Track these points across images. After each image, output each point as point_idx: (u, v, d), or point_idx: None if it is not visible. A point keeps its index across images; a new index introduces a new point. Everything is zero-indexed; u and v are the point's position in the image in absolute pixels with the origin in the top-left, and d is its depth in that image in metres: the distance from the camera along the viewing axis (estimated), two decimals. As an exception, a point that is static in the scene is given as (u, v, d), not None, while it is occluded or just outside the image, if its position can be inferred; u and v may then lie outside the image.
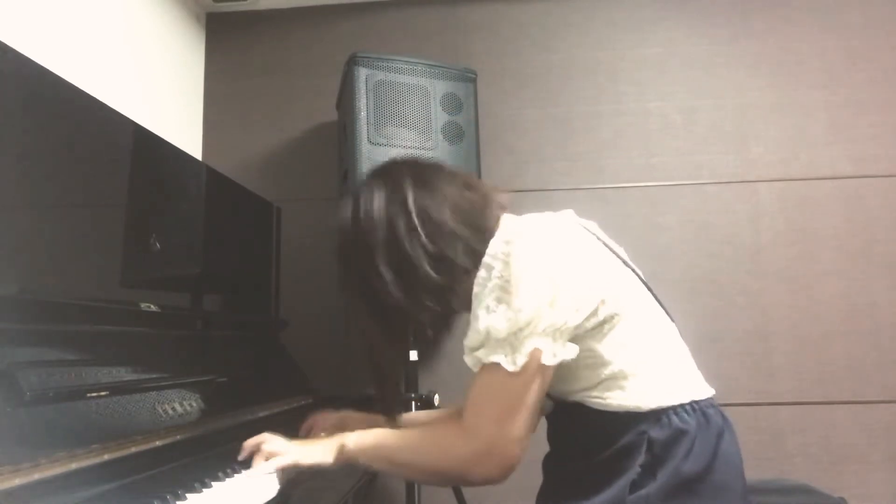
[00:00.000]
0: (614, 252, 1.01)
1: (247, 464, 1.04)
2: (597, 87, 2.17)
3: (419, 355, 1.85)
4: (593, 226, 1.05)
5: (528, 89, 2.19)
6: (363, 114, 1.72)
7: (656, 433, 0.88)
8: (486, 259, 0.91)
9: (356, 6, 2.29)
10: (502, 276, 0.88)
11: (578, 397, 0.94)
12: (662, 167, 2.12)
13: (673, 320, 1.03)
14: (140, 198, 1.28)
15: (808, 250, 2.04)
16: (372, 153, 1.70)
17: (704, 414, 0.92)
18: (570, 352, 0.88)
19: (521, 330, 0.85)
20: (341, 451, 0.99)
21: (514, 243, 0.89)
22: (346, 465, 1.00)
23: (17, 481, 0.75)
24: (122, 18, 1.82)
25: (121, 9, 1.81)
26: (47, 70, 1.04)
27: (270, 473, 0.97)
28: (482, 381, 0.90)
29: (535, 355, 0.85)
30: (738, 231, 2.07)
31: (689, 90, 2.15)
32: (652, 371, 0.92)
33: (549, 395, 0.98)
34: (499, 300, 0.87)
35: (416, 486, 1.75)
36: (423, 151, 1.74)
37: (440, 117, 1.80)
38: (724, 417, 0.96)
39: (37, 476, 0.77)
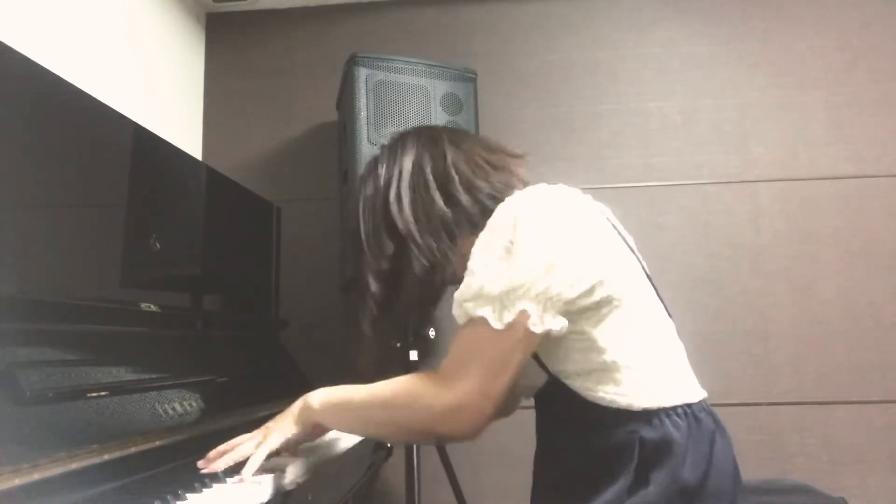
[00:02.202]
0: (623, 237, 1.01)
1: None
2: (597, 87, 2.17)
3: (419, 355, 1.85)
4: (607, 210, 1.05)
5: (528, 89, 2.19)
6: (363, 114, 1.72)
7: (647, 434, 0.87)
8: (492, 220, 0.92)
9: (356, 6, 2.29)
10: (506, 237, 0.88)
11: (571, 384, 0.93)
12: (662, 167, 2.12)
13: (671, 318, 1.03)
14: (140, 198, 1.28)
15: (808, 250, 2.04)
16: (372, 153, 1.70)
17: (696, 418, 0.91)
18: (558, 324, 0.87)
19: (514, 290, 0.85)
20: (305, 414, 0.98)
21: (523, 208, 0.90)
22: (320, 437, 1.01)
23: (17, 481, 0.75)
24: (122, 18, 1.82)
25: (121, 9, 1.81)
26: (47, 70, 1.04)
27: (253, 480, 0.93)
28: (466, 335, 0.89)
29: (522, 318, 0.85)
30: (738, 231, 2.07)
31: (689, 90, 2.15)
32: (647, 367, 0.91)
33: (543, 369, 0.97)
34: (499, 258, 0.88)
35: (416, 485, 1.75)
36: (423, 151, 1.74)
37: (440, 117, 1.80)
38: (715, 420, 0.95)
39: (37, 476, 0.77)
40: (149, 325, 1.27)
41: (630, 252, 1.00)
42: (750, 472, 0.97)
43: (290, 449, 1.05)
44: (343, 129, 1.89)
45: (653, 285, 1.02)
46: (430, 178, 1.01)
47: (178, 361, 1.29)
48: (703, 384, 1.00)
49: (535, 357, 0.95)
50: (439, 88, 1.82)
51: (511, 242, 0.88)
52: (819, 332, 2.00)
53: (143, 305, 1.23)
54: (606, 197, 1.06)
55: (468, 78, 1.89)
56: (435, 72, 1.83)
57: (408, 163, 1.03)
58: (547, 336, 0.87)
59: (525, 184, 1.03)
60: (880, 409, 1.96)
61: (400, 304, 1.07)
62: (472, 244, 0.93)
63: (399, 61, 1.79)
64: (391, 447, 1.75)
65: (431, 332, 1.83)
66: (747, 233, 2.07)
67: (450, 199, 1.00)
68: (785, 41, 2.15)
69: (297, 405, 1.00)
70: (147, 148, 1.34)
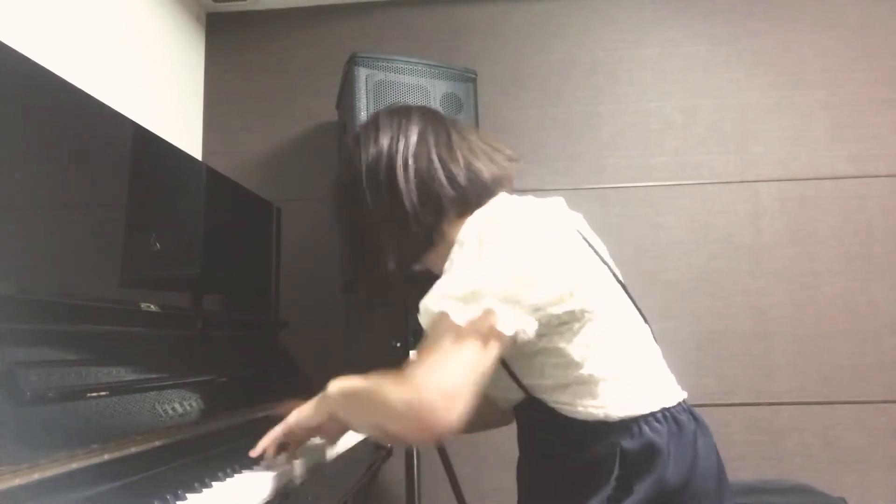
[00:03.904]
0: (593, 248, 1.00)
1: (246, 464, 1.04)
2: (597, 87, 2.17)
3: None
4: (579, 218, 1.05)
5: (528, 89, 2.19)
6: (363, 114, 1.72)
7: (628, 444, 0.87)
8: (460, 234, 0.91)
9: (356, 6, 2.29)
10: (473, 249, 0.88)
11: (548, 400, 0.92)
12: (662, 167, 2.12)
13: (647, 322, 1.02)
14: (140, 198, 1.28)
15: (808, 250, 2.04)
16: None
17: (676, 421, 0.91)
18: (528, 324, 0.85)
19: (479, 290, 0.83)
20: (323, 401, 0.98)
21: (490, 221, 0.90)
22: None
23: (17, 481, 0.75)
24: (122, 18, 1.82)
25: (121, 8, 1.81)
26: (47, 70, 1.04)
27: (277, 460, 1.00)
28: (431, 333, 0.86)
29: (487, 317, 0.82)
30: (738, 231, 2.07)
31: (689, 90, 2.15)
32: (623, 377, 0.90)
33: (518, 384, 0.96)
34: (467, 265, 0.87)
35: (416, 485, 1.75)
36: (423, 151, 1.74)
37: (440, 117, 1.79)
38: (696, 420, 0.94)
39: (37, 476, 0.77)
40: (149, 325, 1.27)
41: (601, 262, 1.00)
42: (750, 472, 0.98)
43: (300, 435, 1.03)
44: (343, 129, 1.89)
45: (627, 292, 1.02)
46: (434, 152, 1.00)
47: (178, 361, 1.29)
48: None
49: (510, 373, 0.95)
50: (439, 88, 1.82)
51: (478, 254, 0.87)
52: (819, 332, 2.00)
53: (143, 305, 1.23)
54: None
55: (468, 78, 1.89)
56: (435, 72, 1.83)
57: (413, 134, 1.02)
58: (516, 340, 0.85)
59: (511, 188, 1.04)
60: (880, 409, 1.96)
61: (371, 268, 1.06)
62: (454, 230, 0.93)
63: (399, 61, 1.79)
64: (391, 447, 1.75)
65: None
66: (747, 233, 2.07)
67: (450, 177, 0.99)
68: (785, 41, 2.15)
69: (319, 395, 1.00)
70: (147, 148, 1.34)
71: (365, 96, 1.73)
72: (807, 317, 2.01)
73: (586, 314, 0.89)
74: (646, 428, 0.88)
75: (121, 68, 1.79)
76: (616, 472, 0.86)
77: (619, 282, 1.02)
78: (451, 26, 2.25)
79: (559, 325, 0.89)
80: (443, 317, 0.84)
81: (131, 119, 1.27)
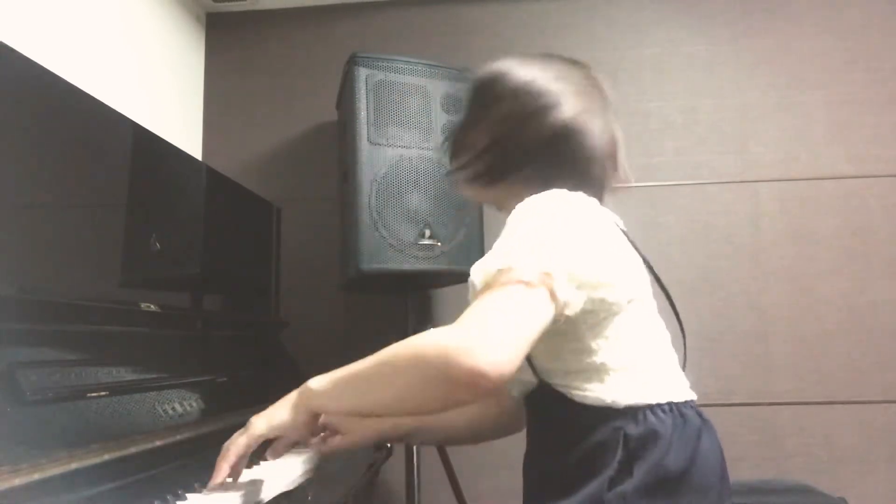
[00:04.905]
0: (634, 245, 1.02)
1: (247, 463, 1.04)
2: (597, 87, 2.17)
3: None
4: (617, 219, 1.05)
5: (528, 89, 2.19)
6: (363, 114, 1.72)
7: (631, 430, 0.87)
8: (527, 203, 0.90)
9: (356, 6, 2.29)
10: (538, 216, 0.87)
11: (558, 384, 0.93)
12: (662, 167, 2.12)
13: (680, 322, 1.03)
14: (140, 198, 1.28)
15: (808, 250, 2.04)
16: (372, 153, 1.70)
17: (682, 414, 0.91)
18: (578, 300, 0.84)
19: (541, 251, 0.81)
20: (303, 395, 0.91)
21: (555, 200, 0.90)
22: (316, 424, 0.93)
23: (17, 481, 0.74)
24: (122, 18, 1.82)
25: (121, 8, 1.81)
26: (47, 70, 1.04)
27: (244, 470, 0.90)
28: (492, 287, 0.80)
29: (549, 277, 0.79)
30: (738, 231, 2.07)
31: (689, 90, 2.15)
32: (635, 369, 0.91)
33: (534, 373, 0.96)
34: (528, 232, 0.85)
35: (416, 485, 1.75)
36: (423, 151, 1.74)
37: (440, 117, 1.79)
38: (702, 418, 0.94)
39: (37, 476, 0.77)
40: (149, 325, 1.27)
41: (642, 263, 1.00)
42: (750, 472, 0.98)
43: (281, 444, 0.97)
44: (343, 129, 1.89)
45: (665, 292, 1.03)
46: (596, 140, 1.00)
47: (178, 361, 1.29)
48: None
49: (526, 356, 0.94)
50: (439, 88, 1.82)
51: (540, 224, 0.86)
52: (819, 332, 2.00)
53: (143, 305, 1.23)
54: (606, 197, 1.07)
55: (468, 78, 1.88)
56: (435, 72, 1.82)
57: (597, 114, 1.02)
58: (561, 313, 0.82)
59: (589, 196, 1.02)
60: (880, 409, 1.96)
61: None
62: (519, 193, 0.93)
63: (399, 61, 1.79)
64: (391, 447, 1.75)
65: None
66: (747, 233, 2.07)
67: (585, 160, 0.99)
68: (785, 41, 2.15)
69: (294, 393, 0.93)
70: (147, 148, 1.34)
71: (365, 96, 1.73)
72: (807, 317, 2.01)
73: (615, 306, 0.89)
74: (651, 416, 0.88)
75: (121, 68, 1.79)
76: (619, 455, 0.86)
77: (660, 283, 1.03)
78: (451, 26, 2.25)
79: (588, 311, 0.88)
80: (505, 270, 0.80)
81: (131, 119, 1.27)
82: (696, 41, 2.17)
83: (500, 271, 0.81)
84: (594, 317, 0.89)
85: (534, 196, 0.91)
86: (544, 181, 0.95)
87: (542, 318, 0.80)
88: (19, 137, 0.98)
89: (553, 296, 0.80)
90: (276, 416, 0.91)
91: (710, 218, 2.08)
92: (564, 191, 0.94)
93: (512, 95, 1.01)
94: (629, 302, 0.92)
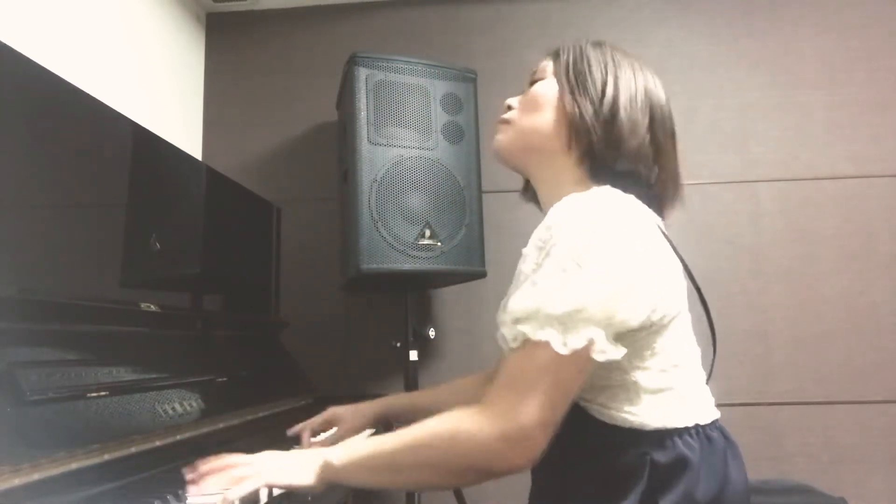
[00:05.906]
0: (675, 249, 0.97)
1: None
2: (597, 87, 2.17)
3: (419, 355, 1.85)
4: (658, 220, 1.00)
5: (528, 89, 2.19)
6: (363, 114, 1.72)
7: (659, 457, 0.83)
8: (561, 227, 0.83)
9: (356, 6, 2.29)
10: (574, 250, 0.80)
11: (582, 398, 0.88)
12: (662, 167, 2.11)
13: (713, 328, 1.02)
14: (140, 198, 1.28)
15: (808, 250, 2.04)
16: (372, 153, 1.70)
17: (708, 438, 0.88)
18: (618, 353, 0.80)
19: (579, 312, 0.77)
20: (326, 470, 0.87)
21: (596, 219, 0.82)
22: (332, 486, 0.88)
23: (17, 481, 0.75)
24: (122, 18, 1.82)
25: (121, 9, 1.81)
26: (47, 70, 1.04)
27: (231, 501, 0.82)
28: (524, 359, 0.79)
29: (589, 348, 0.77)
30: (738, 231, 2.07)
31: (689, 90, 2.15)
32: (665, 391, 0.87)
33: None
34: (564, 271, 0.79)
35: (416, 486, 1.75)
36: (423, 151, 1.74)
37: (440, 117, 1.80)
38: (726, 438, 0.92)
39: (37, 476, 0.77)
40: (149, 325, 1.27)
41: (682, 269, 0.97)
42: (750, 472, 0.97)
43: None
44: (343, 129, 1.89)
45: (703, 303, 1.03)
46: (662, 135, 1.03)
47: (178, 361, 1.29)
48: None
49: None
50: (439, 88, 1.82)
51: (579, 258, 0.79)
52: (819, 332, 2.00)
53: (143, 305, 1.23)
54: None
55: (468, 78, 1.89)
56: (435, 72, 1.82)
57: (667, 119, 1.10)
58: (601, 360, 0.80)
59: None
60: (880, 409, 1.96)
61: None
62: (568, 168, 0.94)
63: (399, 61, 1.79)
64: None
65: (431, 332, 1.83)
66: (747, 233, 2.07)
67: (636, 151, 0.97)
68: (785, 41, 2.15)
69: (314, 458, 0.88)
70: (147, 148, 1.35)
71: (365, 96, 1.73)
72: (807, 317, 2.01)
73: (655, 327, 0.86)
74: (679, 442, 0.85)
75: (121, 68, 1.79)
76: (643, 484, 0.82)
77: (697, 289, 1.02)
78: (451, 26, 2.25)
79: (626, 332, 0.84)
80: (543, 345, 0.78)
81: (131, 119, 1.27)
82: (696, 41, 2.17)
83: (541, 345, 0.78)
84: (631, 336, 0.84)
85: (578, 202, 0.85)
86: (597, 174, 0.95)
87: (579, 385, 0.81)
88: (19, 137, 0.98)
89: (592, 361, 0.79)
90: (293, 476, 0.87)
91: (710, 218, 2.08)
92: (610, 195, 0.89)
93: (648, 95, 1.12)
94: (666, 322, 0.88)
